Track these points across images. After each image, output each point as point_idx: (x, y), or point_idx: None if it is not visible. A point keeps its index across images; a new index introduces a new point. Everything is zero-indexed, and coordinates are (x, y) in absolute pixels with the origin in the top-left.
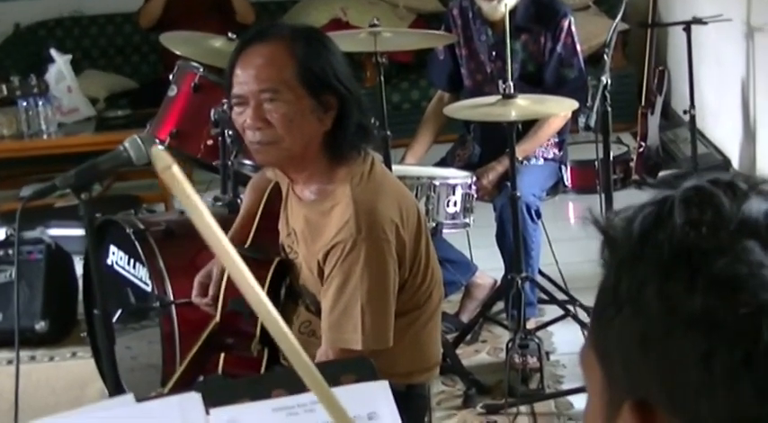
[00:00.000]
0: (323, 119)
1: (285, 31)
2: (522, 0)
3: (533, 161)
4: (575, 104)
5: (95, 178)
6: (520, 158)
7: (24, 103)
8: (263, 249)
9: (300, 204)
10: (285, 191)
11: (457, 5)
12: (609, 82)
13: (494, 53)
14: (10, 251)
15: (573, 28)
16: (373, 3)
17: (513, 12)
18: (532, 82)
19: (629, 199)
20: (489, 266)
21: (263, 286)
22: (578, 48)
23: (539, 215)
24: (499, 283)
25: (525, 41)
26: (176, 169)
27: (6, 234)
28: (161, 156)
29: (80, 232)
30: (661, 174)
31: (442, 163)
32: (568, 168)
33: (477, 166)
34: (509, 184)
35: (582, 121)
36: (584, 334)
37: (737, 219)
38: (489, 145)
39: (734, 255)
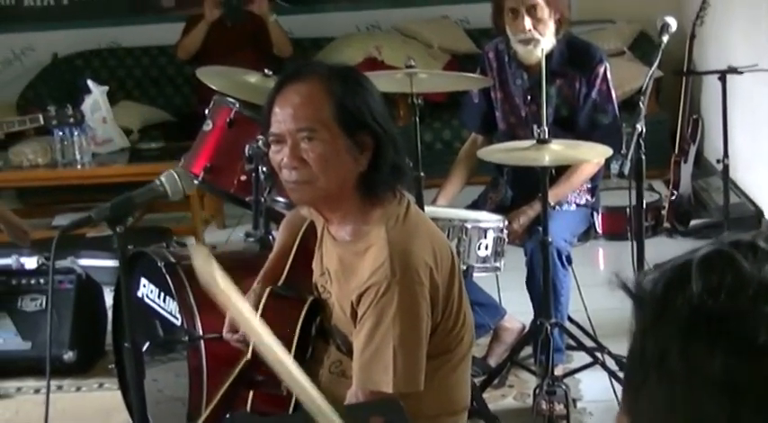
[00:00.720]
0: (358, 159)
1: (323, 69)
2: (558, 45)
3: (565, 206)
4: (608, 151)
5: (130, 211)
6: (552, 203)
7: (60, 133)
8: (296, 288)
9: (335, 244)
10: (320, 230)
11: (493, 48)
12: (644, 129)
13: (529, 97)
14: (41, 280)
15: (608, 74)
16: (408, 42)
17: (548, 56)
18: (566, 127)
19: (660, 247)
20: (518, 310)
21: (295, 325)
22: (613, 94)
23: (569, 261)
24: (528, 327)
25: (560, 86)
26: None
27: (38, 263)
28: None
29: (110, 263)
30: (692, 222)
31: (474, 205)
32: (599, 214)
33: (508, 209)
34: (540, 228)
35: (615, 168)
36: (611, 382)
37: (757, 281)
38: (522, 189)
39: (753, 318)
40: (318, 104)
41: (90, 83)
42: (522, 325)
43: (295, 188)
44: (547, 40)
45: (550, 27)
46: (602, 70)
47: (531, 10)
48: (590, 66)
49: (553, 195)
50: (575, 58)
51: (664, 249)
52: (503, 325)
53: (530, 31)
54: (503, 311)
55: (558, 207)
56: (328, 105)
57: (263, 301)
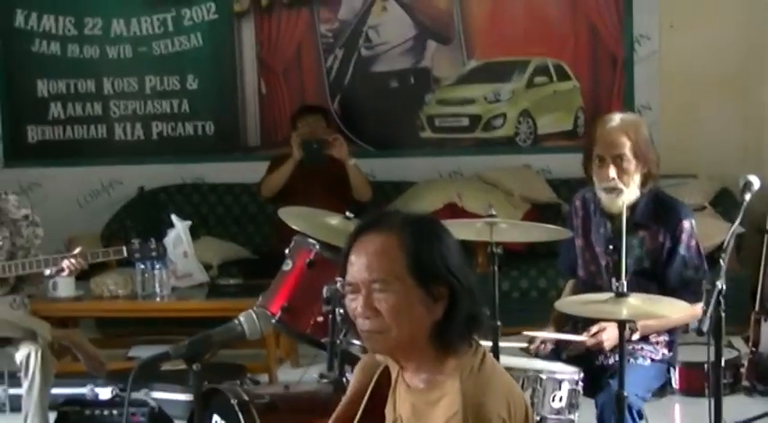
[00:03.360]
0: (432, 309)
1: (398, 220)
2: (644, 197)
3: (640, 361)
4: (687, 306)
5: (208, 349)
6: (637, 334)
7: (142, 266)
8: None
9: (409, 391)
10: (395, 376)
11: (580, 197)
12: (724, 287)
13: (611, 247)
14: (115, 411)
15: (695, 231)
16: (489, 190)
17: (633, 207)
18: (648, 277)
19: (738, 405)
20: None
21: None
22: (702, 251)
23: (641, 416)
24: None
25: (643, 238)
26: None
27: (112, 393)
28: None
29: (183, 397)
30: None
31: (553, 352)
32: (677, 370)
33: (586, 359)
34: (611, 382)
35: (695, 324)
36: None
37: None
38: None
39: None
40: (392, 256)
41: (173, 217)
42: None
43: (368, 337)
44: (630, 192)
45: (636, 180)
46: (687, 226)
47: (618, 159)
48: (674, 221)
49: (642, 325)
50: (660, 212)
51: (742, 408)
52: None
53: (613, 179)
54: None
55: (632, 360)
56: (402, 257)
57: None
